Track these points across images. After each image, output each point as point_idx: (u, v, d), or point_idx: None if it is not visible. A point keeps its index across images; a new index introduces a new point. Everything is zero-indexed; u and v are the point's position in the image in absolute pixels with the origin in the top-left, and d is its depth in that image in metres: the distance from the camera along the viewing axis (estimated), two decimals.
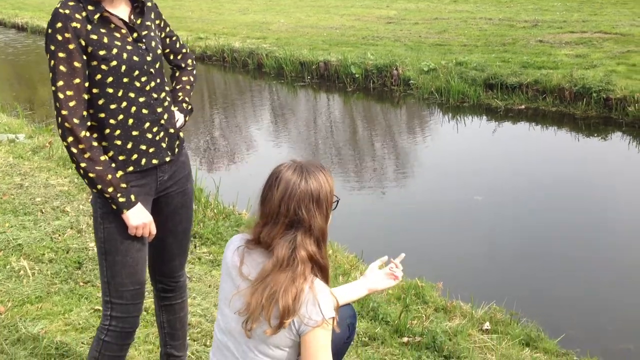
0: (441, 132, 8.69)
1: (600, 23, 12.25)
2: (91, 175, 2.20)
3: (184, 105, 2.58)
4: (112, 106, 2.25)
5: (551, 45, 11.08)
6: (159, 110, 2.36)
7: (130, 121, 2.28)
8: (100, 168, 2.20)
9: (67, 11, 2.16)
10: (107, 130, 2.27)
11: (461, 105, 9.28)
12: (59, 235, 4.51)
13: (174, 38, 2.58)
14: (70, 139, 2.18)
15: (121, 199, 2.24)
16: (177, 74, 2.64)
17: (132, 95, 2.27)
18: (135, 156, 2.31)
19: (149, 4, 2.41)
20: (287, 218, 1.89)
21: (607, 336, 3.86)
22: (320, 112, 10.55)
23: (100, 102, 2.25)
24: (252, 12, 18.29)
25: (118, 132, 2.27)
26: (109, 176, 2.21)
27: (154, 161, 2.36)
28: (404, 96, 10.17)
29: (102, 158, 2.21)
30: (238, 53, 13.34)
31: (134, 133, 2.30)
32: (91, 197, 2.41)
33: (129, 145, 2.30)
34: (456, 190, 6.52)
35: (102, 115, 2.26)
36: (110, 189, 2.22)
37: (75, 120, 2.17)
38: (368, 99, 10.65)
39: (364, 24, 15.28)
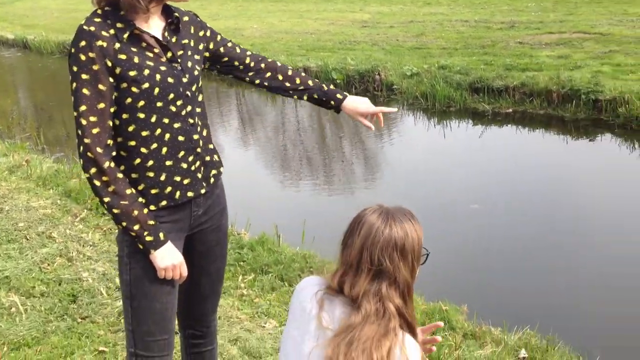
0: (429, 138, 8.52)
1: (577, 23, 12.24)
2: (115, 211, 1.96)
3: (324, 86, 2.37)
4: (144, 133, 2.00)
5: (531, 47, 11.01)
6: (195, 137, 2.09)
7: (164, 150, 2.03)
8: (126, 203, 1.96)
9: (92, 28, 1.92)
10: (138, 160, 2.02)
11: (447, 110, 9.12)
12: (48, 264, 4.21)
13: (229, 45, 2.28)
14: (93, 170, 1.94)
15: (148, 238, 1.99)
16: (279, 76, 2.35)
17: (166, 120, 2.02)
18: (169, 189, 2.06)
19: (186, 18, 2.14)
20: (370, 268, 1.68)
21: None
22: (302, 118, 10.31)
23: (131, 128, 1.99)
24: (222, 17, 17.94)
25: (151, 162, 2.02)
26: (135, 212, 1.97)
27: (189, 194, 2.10)
28: (387, 101, 9.98)
29: (128, 191, 1.98)
30: None
31: (168, 163, 2.04)
32: (117, 233, 2.14)
33: (163, 177, 2.05)
34: (450, 198, 6.35)
35: (133, 143, 2.01)
36: (136, 227, 1.98)
37: (99, 150, 1.93)
38: None
39: (339, 28, 15.09)
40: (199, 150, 2.11)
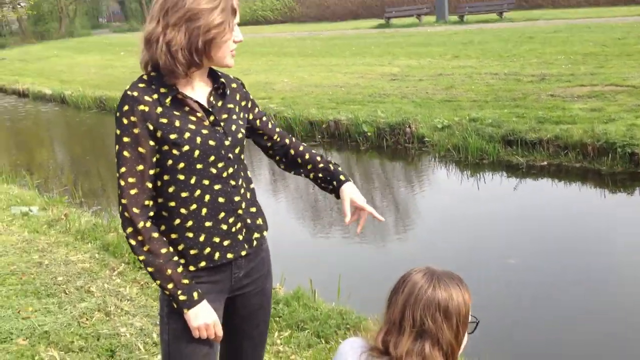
0: (462, 190, 8.47)
1: (609, 75, 12.20)
2: (150, 269, 2.01)
3: (330, 165, 2.38)
4: (184, 194, 2.05)
5: (563, 99, 10.98)
6: (237, 199, 2.13)
7: (204, 211, 2.06)
8: (161, 261, 2.00)
9: (135, 93, 1.99)
10: (178, 221, 2.07)
11: (481, 162, 9.09)
12: (87, 319, 4.23)
13: (264, 119, 2.35)
14: (130, 229, 2.01)
15: (182, 297, 2.01)
16: (291, 151, 2.39)
17: (206, 182, 2.06)
18: (208, 250, 2.09)
19: (234, 85, 2.20)
20: (413, 327, 1.66)
21: None
22: None
23: (171, 189, 2.05)
24: (253, 72, 18.30)
25: (190, 222, 2.06)
26: (169, 271, 2.00)
27: (229, 255, 2.12)
28: (419, 154, 10.01)
29: (163, 250, 2.01)
30: None
31: (207, 224, 2.07)
32: (160, 292, 2.15)
33: (202, 238, 2.08)
34: (487, 253, 6.28)
35: (173, 204, 2.06)
36: (170, 285, 2.00)
37: (135, 210, 1.99)
38: (382, 157, 10.48)
39: (368, 81, 15.26)
40: (240, 212, 2.13)
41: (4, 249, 5.57)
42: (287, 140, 2.38)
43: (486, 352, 3.84)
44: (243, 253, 2.16)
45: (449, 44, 20.36)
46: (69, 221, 6.33)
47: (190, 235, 2.06)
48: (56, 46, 38.62)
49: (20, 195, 7.74)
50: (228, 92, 2.15)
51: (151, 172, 2.02)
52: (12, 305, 4.38)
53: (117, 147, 2.00)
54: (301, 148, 2.39)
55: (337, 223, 7.76)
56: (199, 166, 2.04)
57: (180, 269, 2.02)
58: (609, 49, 15.57)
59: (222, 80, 2.14)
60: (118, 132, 2.00)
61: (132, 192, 1.98)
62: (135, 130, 1.97)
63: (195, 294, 2.03)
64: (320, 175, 2.37)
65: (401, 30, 27.99)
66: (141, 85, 2.01)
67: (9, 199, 7.58)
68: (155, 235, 2.01)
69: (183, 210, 2.05)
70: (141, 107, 1.97)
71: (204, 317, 2.04)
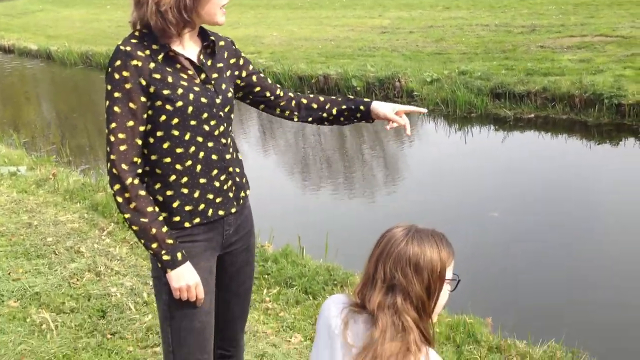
0: (450, 144, 8.51)
1: (599, 26, 12.13)
2: (135, 227, 2.00)
3: (348, 97, 2.38)
4: (179, 150, 2.05)
5: (553, 51, 10.94)
6: (228, 157, 2.14)
7: (199, 167, 2.07)
8: (146, 220, 1.99)
9: (128, 48, 1.98)
10: (173, 177, 2.07)
11: (469, 116, 9.11)
12: (77, 279, 4.27)
13: (261, 75, 2.34)
14: (117, 186, 1.99)
15: (165, 257, 2.01)
16: (303, 100, 2.38)
17: (200, 139, 2.06)
18: (202, 206, 2.10)
19: (222, 42, 2.20)
20: (384, 281, 1.68)
21: None
22: (322, 128, 10.34)
23: (165, 145, 2.04)
24: (242, 25, 18.05)
25: (185, 179, 2.07)
26: (154, 230, 1.99)
27: (220, 212, 2.14)
28: None
29: (149, 209, 2.00)
30: None
31: (202, 180, 2.09)
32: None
33: (196, 194, 2.09)
34: (472, 206, 6.35)
35: (168, 160, 2.05)
36: (154, 245, 2.00)
37: (124, 166, 1.98)
38: None
39: (358, 34, 15.11)
40: (230, 170, 2.16)
41: None
42: (291, 94, 2.38)
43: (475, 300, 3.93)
44: (233, 210, 2.18)
45: None
46: (57, 181, 6.33)
47: (185, 191, 2.07)
48: (41, 0, 37.83)
49: (8, 155, 7.71)
50: (217, 50, 2.15)
51: (141, 128, 2.01)
52: (2, 267, 4.41)
53: (107, 102, 1.98)
54: (311, 95, 2.41)
55: (325, 183, 7.81)
56: (192, 122, 2.04)
57: (165, 229, 2.01)
58: None
59: (212, 38, 2.14)
60: (109, 87, 1.98)
61: (122, 148, 1.97)
62: (127, 86, 1.96)
63: (179, 255, 2.03)
64: (343, 107, 2.35)
65: None
66: (134, 40, 2.00)
67: None
68: (142, 193, 2.01)
69: (178, 167, 2.06)
70: (134, 62, 1.96)
71: (185, 279, 2.04)
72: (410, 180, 7.50)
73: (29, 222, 5.29)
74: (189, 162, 2.06)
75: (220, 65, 2.16)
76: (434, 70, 10.46)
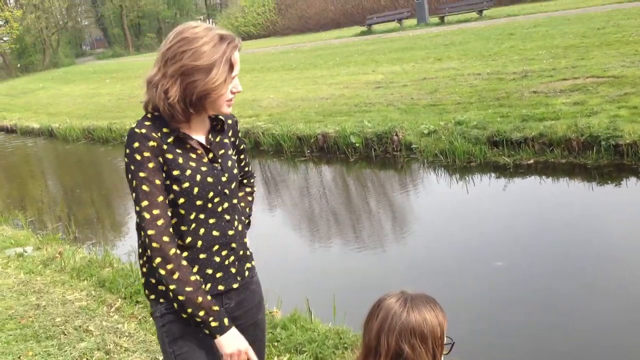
0: (452, 195, 8.54)
1: (590, 67, 12.31)
2: (181, 298, 2.07)
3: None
4: (183, 228, 2.16)
5: (546, 95, 11.08)
6: (230, 233, 2.23)
7: (199, 243, 2.17)
8: (191, 289, 2.07)
9: (143, 130, 2.10)
10: (185, 254, 2.17)
11: (468, 165, 9.17)
12: (87, 359, 4.25)
13: (242, 156, 2.46)
14: (158, 259, 2.07)
15: (214, 324, 2.09)
16: (246, 198, 2.54)
17: (201, 216, 2.17)
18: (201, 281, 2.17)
19: (230, 121, 2.33)
20: (388, 353, 1.71)
21: None
22: (327, 184, 10.42)
23: (173, 221, 2.15)
24: None
25: (185, 254, 2.15)
26: (200, 299, 2.08)
27: (220, 287, 2.22)
28: (407, 161, 10.08)
29: (192, 278, 2.09)
30: None
31: (202, 256, 2.18)
32: (155, 326, 2.22)
33: (195, 269, 2.16)
34: (477, 255, 6.34)
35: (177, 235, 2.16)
36: (201, 312, 2.07)
37: (165, 239, 2.07)
38: (372, 167, 10.55)
39: (353, 91, 15.35)
40: (233, 245, 2.23)
41: (1, 293, 5.60)
42: (248, 189, 2.53)
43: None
44: (235, 285, 2.24)
45: (430, 47, 20.48)
46: (63, 259, 6.37)
47: (184, 264, 2.12)
48: (41, 78, 38.66)
49: (14, 236, 7.77)
50: (225, 128, 2.28)
51: (167, 202, 2.12)
52: (12, 351, 4.41)
53: (134, 182, 2.08)
54: (249, 198, 2.54)
55: (331, 239, 7.82)
56: (198, 202, 2.14)
57: (209, 297, 2.09)
58: (589, 39, 15.70)
59: (221, 117, 2.27)
60: (132, 168, 2.08)
61: (159, 222, 2.06)
62: (150, 165, 2.08)
63: (225, 320, 2.11)
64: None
65: (383, 36, 28.12)
66: (147, 123, 2.12)
67: (3, 240, 7.61)
68: (184, 263, 2.09)
69: (180, 242, 2.14)
70: (151, 143, 2.08)
71: (237, 344, 2.12)
72: (414, 234, 7.51)
73: (37, 304, 5.30)
74: (189, 239, 2.15)
75: (226, 141, 2.27)
76: (430, 122, 10.58)
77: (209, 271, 2.18)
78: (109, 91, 23.71)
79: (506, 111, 10.34)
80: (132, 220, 9.59)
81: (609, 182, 7.87)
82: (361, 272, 6.48)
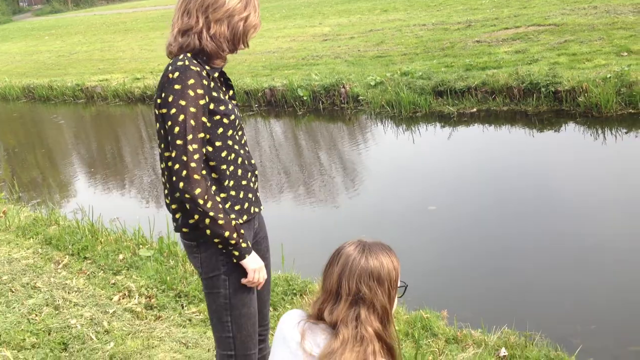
0: (399, 145, 8.68)
1: (531, 16, 12.53)
2: (221, 222, 2.22)
3: None
4: (231, 158, 2.35)
5: (489, 44, 11.26)
6: (253, 161, 2.48)
7: (240, 171, 2.38)
8: (227, 216, 2.26)
9: (197, 68, 2.22)
10: (226, 182, 2.34)
11: (414, 116, 9.31)
12: (36, 315, 4.25)
13: None
14: (198, 190, 2.19)
15: (244, 245, 2.30)
16: None
17: (237, 147, 2.38)
18: (246, 205, 2.40)
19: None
20: (349, 295, 1.84)
21: (619, 338, 3.84)
22: (275, 138, 10.43)
23: (223, 154, 2.32)
24: None
25: (232, 182, 2.36)
26: (234, 223, 2.27)
27: (255, 209, 2.46)
28: (355, 113, 10.16)
29: (221, 206, 2.26)
30: None
31: (244, 182, 2.40)
32: (198, 256, 2.37)
33: (241, 195, 2.39)
34: (415, 200, 6.51)
35: (224, 167, 2.33)
36: (235, 235, 2.26)
37: (204, 172, 2.23)
38: (320, 119, 10.59)
39: (300, 44, 15.27)
40: (256, 172, 2.50)
41: None
42: None
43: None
44: (262, 207, 2.53)
45: None
46: (7, 218, 6.27)
47: (233, 193, 2.35)
48: None
49: None
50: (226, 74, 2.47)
51: (205, 139, 2.27)
52: None
53: (181, 116, 2.17)
54: None
55: (282, 192, 7.88)
56: (238, 134, 2.37)
57: (234, 222, 2.27)
58: None
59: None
60: (183, 102, 2.16)
61: (196, 157, 2.19)
62: (202, 102, 2.20)
63: (249, 242, 2.35)
64: None
65: None
66: (195, 61, 2.23)
67: None
68: (218, 198, 2.26)
69: (228, 172, 2.34)
70: (205, 81, 2.22)
71: (259, 260, 2.37)
72: (363, 184, 7.63)
73: None
74: (232, 167, 2.35)
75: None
76: (377, 73, 10.66)
77: (250, 195, 2.40)
78: (49, 48, 22.96)
79: (450, 61, 10.49)
80: (77, 179, 9.46)
81: (549, 127, 8.12)
82: (308, 224, 6.59)
